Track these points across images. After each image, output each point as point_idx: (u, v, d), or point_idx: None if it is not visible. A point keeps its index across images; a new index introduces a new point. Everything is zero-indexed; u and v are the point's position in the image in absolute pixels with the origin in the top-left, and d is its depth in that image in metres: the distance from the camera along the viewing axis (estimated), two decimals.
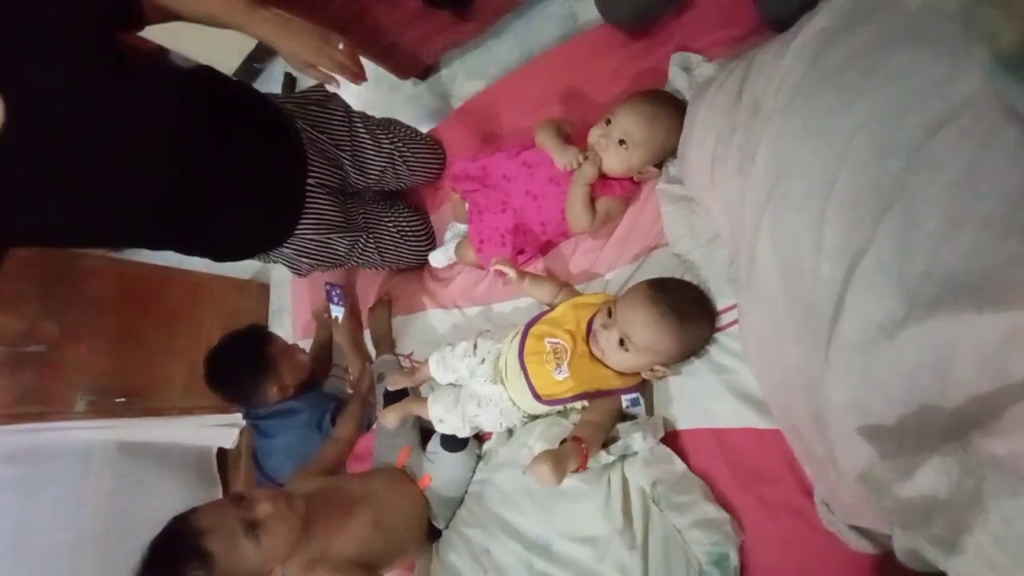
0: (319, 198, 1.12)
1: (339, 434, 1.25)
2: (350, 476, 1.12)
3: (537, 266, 1.17)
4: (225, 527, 0.80)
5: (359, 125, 1.21)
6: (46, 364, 1.41)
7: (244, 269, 2.17)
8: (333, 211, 1.15)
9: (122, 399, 1.52)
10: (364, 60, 1.00)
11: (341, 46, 0.93)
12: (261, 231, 1.11)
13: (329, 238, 1.16)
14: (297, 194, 1.09)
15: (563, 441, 0.85)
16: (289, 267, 1.24)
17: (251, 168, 1.01)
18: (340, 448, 1.22)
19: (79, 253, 1.58)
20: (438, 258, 1.32)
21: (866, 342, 0.48)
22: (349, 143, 1.18)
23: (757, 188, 0.63)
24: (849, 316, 0.50)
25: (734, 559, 0.77)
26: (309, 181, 1.09)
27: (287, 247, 1.14)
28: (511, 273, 1.00)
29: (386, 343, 1.40)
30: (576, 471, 0.82)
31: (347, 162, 1.19)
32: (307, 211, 1.10)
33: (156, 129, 0.86)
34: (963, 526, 0.38)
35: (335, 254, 1.21)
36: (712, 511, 0.80)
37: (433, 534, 1.07)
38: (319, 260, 1.20)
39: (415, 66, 1.62)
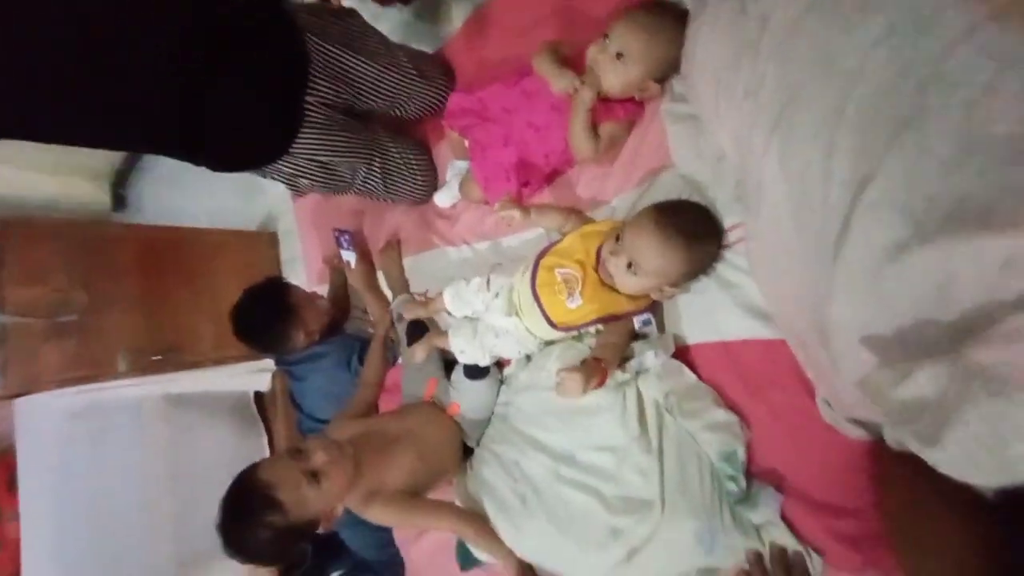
0: (319, 116, 1.08)
1: (367, 378, 1.33)
2: (387, 416, 1.20)
3: (543, 196, 1.17)
4: (290, 478, 0.91)
5: (375, 42, 1.16)
6: (83, 331, 1.49)
7: (251, 221, 2.17)
8: (335, 132, 1.12)
9: (158, 356, 1.61)
10: None
11: None
12: (256, 139, 1.08)
13: (331, 160, 1.15)
14: (294, 108, 1.05)
15: (583, 361, 0.91)
16: (287, 184, 1.22)
17: (250, 69, 0.98)
18: (371, 391, 1.32)
19: (102, 223, 1.61)
20: (443, 198, 1.32)
21: (870, 265, 0.51)
22: (363, 61, 1.13)
23: (765, 114, 0.62)
24: (855, 240, 0.52)
25: (741, 454, 0.84)
26: (308, 98, 1.06)
27: (285, 164, 1.11)
28: (516, 214, 1.01)
29: (400, 284, 1.44)
30: (597, 386, 0.89)
31: (358, 82, 1.14)
32: (306, 129, 1.08)
33: (158, 10, 0.84)
34: (944, 423, 0.43)
35: (338, 178, 1.20)
36: (721, 415, 0.87)
37: (467, 452, 1.17)
38: (318, 181, 1.18)
39: None
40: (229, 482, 0.92)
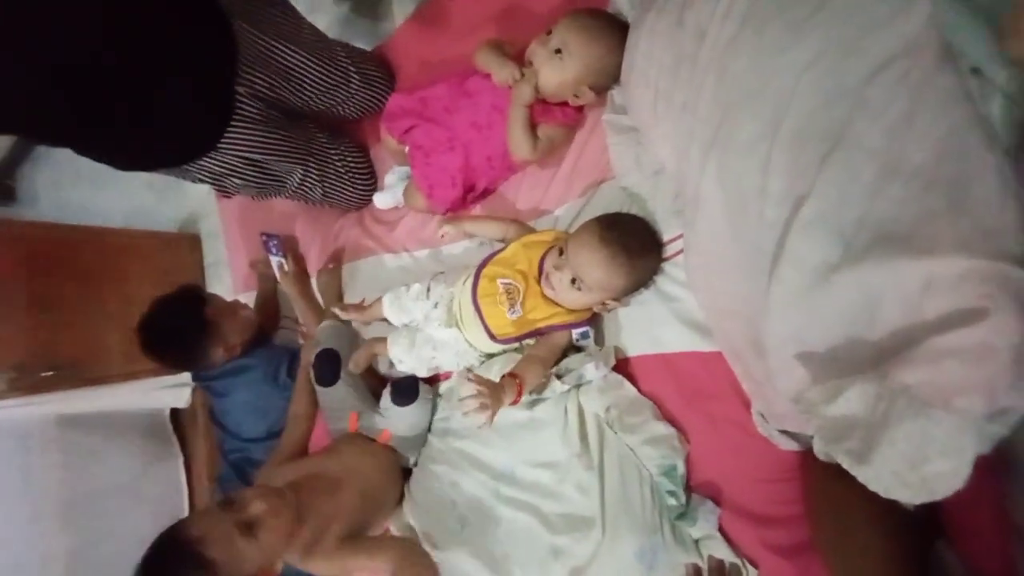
0: (251, 109, 1.00)
1: (296, 411, 1.22)
2: (322, 455, 1.10)
3: (485, 205, 1.14)
4: (221, 532, 0.80)
5: (311, 36, 1.08)
6: None
7: (169, 221, 2.00)
8: (269, 129, 1.04)
9: (49, 372, 1.42)
10: None
11: None
12: (180, 132, 0.97)
13: (264, 159, 1.06)
14: (223, 98, 0.96)
15: (503, 378, 0.87)
16: (214, 185, 1.11)
17: (172, 53, 0.88)
18: (302, 426, 1.20)
19: None
20: (384, 199, 1.25)
21: (804, 283, 0.52)
22: (299, 53, 1.05)
23: (703, 127, 0.62)
24: (789, 258, 0.53)
25: (681, 468, 0.85)
26: (239, 88, 0.97)
27: (213, 162, 1.01)
28: (451, 230, 0.97)
29: (334, 299, 1.34)
30: (513, 403, 0.85)
31: (294, 75, 1.06)
32: (237, 122, 0.98)
33: None
34: (873, 441, 0.43)
35: (271, 179, 1.11)
36: (661, 428, 0.87)
37: (406, 474, 1.11)
38: (250, 182, 1.08)
39: None
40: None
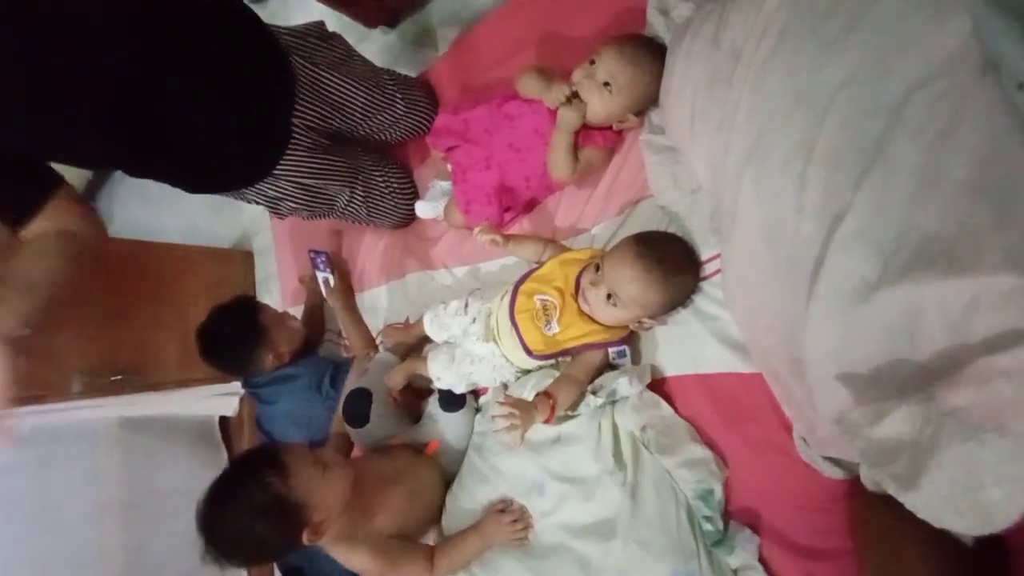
0: (304, 139, 1.07)
1: (339, 427, 1.21)
2: (375, 456, 1.12)
3: (522, 224, 1.16)
4: (297, 453, 0.87)
5: (360, 65, 1.15)
6: (34, 348, 1.40)
7: (224, 239, 2.12)
8: (320, 156, 1.11)
9: (117, 377, 1.52)
10: (326, 9, 0.93)
11: None
12: (239, 161, 1.05)
13: (315, 184, 1.13)
14: (279, 129, 1.03)
15: (537, 395, 0.89)
16: (269, 207, 1.19)
17: (238, 90, 0.95)
18: (345, 439, 1.21)
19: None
20: (425, 209, 1.28)
21: (842, 301, 0.51)
22: (348, 82, 1.12)
23: (739, 144, 0.63)
24: (827, 277, 0.52)
25: (719, 493, 0.82)
26: (294, 121, 1.04)
27: (269, 187, 1.09)
28: (497, 239, 1.00)
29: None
30: (546, 422, 0.87)
31: (344, 104, 1.13)
32: (292, 151, 1.06)
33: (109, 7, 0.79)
34: (921, 466, 0.42)
35: (322, 202, 1.18)
36: (698, 451, 0.85)
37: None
38: (302, 205, 1.16)
39: (381, 12, 1.52)
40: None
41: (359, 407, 1.14)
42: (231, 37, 0.95)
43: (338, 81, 1.10)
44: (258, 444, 0.91)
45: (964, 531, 0.44)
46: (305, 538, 0.84)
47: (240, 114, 0.98)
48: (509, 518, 0.95)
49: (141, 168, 1.00)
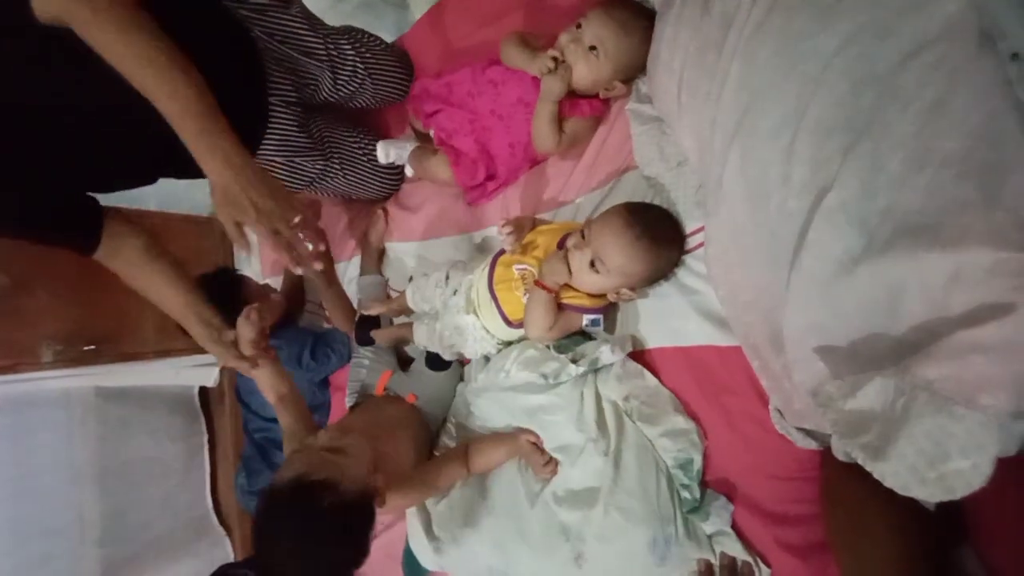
0: (282, 116, 1.05)
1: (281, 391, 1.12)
2: (362, 414, 1.11)
3: (506, 195, 1.14)
4: (312, 457, 0.82)
5: (321, 32, 1.10)
6: (3, 316, 1.36)
7: (202, 206, 2.06)
8: (297, 132, 1.08)
9: (91, 347, 1.49)
10: None
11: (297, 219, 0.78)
12: None
13: (293, 160, 1.11)
14: (260, 111, 1.01)
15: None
16: None
17: (212, 71, 0.89)
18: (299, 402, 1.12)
19: None
20: (385, 150, 1.20)
21: (825, 274, 0.50)
22: (313, 53, 1.08)
23: (727, 115, 0.61)
24: (810, 249, 0.52)
25: (698, 462, 0.84)
26: (271, 99, 1.01)
27: None
28: (511, 236, 0.95)
29: (374, 257, 1.35)
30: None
31: (311, 74, 1.10)
32: (271, 130, 1.04)
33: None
34: (890, 437, 0.42)
35: (301, 177, 1.16)
36: (680, 422, 0.86)
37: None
38: (283, 181, 1.14)
39: None
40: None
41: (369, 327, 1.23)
42: (199, 23, 0.90)
43: (295, 53, 1.06)
44: (273, 486, 0.80)
45: (927, 498, 0.45)
46: (377, 507, 0.83)
47: (224, 101, 0.94)
48: (544, 458, 0.94)
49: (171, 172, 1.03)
